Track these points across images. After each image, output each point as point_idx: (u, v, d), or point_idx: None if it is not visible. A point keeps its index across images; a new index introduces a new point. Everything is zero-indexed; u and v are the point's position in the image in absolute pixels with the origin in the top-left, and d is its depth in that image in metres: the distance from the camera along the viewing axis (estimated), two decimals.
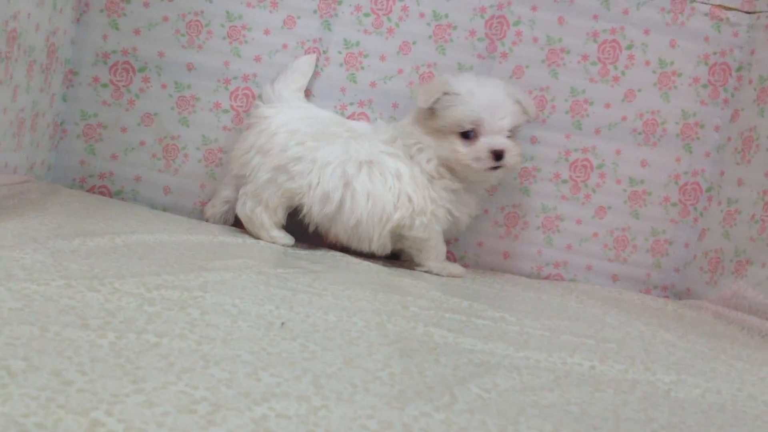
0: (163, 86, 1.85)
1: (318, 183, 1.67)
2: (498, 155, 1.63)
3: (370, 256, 1.77)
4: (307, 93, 1.86)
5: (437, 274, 1.74)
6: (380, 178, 1.68)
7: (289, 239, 1.74)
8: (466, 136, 1.65)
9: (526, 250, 1.97)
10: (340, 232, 1.71)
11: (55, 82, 1.74)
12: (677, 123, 1.95)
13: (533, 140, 1.93)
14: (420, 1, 1.87)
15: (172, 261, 1.25)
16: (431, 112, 1.67)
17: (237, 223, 1.80)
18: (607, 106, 1.93)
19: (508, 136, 1.66)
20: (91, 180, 1.86)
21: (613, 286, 1.97)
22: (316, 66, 1.86)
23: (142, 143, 1.86)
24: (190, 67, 1.84)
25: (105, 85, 1.83)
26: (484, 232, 1.96)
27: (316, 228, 1.74)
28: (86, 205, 1.60)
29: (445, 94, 1.65)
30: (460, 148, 1.65)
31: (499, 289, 1.66)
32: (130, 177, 1.87)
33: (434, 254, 1.75)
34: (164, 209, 1.87)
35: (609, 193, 1.96)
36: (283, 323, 1.03)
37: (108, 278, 1.04)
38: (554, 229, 1.97)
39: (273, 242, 1.72)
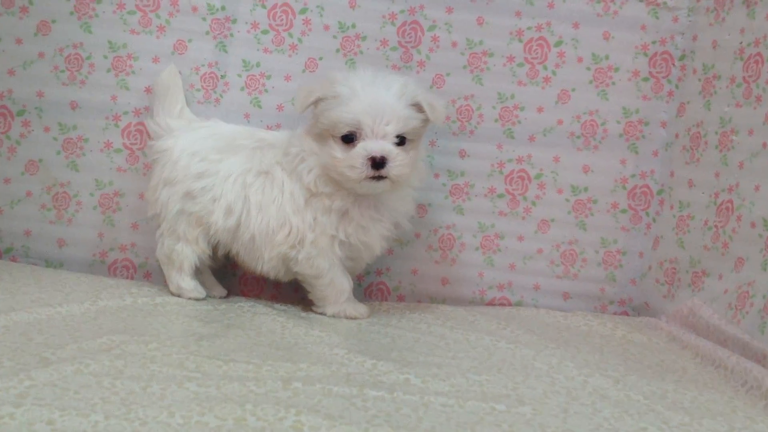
0: (46, 129, 1.68)
1: (221, 195, 1.53)
2: (377, 163, 1.42)
3: (286, 300, 1.62)
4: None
5: (332, 317, 1.56)
6: (269, 190, 1.52)
7: (198, 292, 1.59)
8: (347, 140, 1.45)
9: (465, 274, 1.79)
10: (240, 249, 1.56)
11: None
12: (619, 122, 1.76)
13: (462, 154, 1.75)
14: (323, 13, 1.69)
15: (6, 356, 1.08)
16: (317, 115, 1.48)
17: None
18: (540, 110, 1.74)
19: (398, 143, 1.45)
20: None
21: (564, 306, 1.79)
22: (215, 92, 1.69)
23: (28, 194, 1.69)
24: (73, 106, 1.67)
25: None
26: (417, 258, 1.78)
27: (225, 251, 1.60)
28: None
29: (324, 96, 1.45)
30: (337, 153, 1.45)
31: (423, 332, 1.49)
32: (19, 232, 1.70)
33: (331, 293, 1.55)
34: (61, 264, 1.71)
35: (551, 205, 1.78)
36: None
37: None
38: (494, 249, 1.79)
39: (179, 293, 1.57)
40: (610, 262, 1.80)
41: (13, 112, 1.67)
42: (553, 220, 1.78)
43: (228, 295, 1.67)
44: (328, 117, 1.44)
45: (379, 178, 1.43)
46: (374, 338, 1.42)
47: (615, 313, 1.80)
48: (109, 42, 1.67)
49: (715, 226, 1.58)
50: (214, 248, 1.60)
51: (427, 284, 1.79)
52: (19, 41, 1.65)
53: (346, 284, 1.57)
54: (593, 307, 1.81)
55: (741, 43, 1.56)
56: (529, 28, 1.72)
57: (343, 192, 1.49)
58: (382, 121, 1.43)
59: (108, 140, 1.69)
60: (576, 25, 1.72)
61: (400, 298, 1.79)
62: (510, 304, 1.79)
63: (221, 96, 1.70)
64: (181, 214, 1.56)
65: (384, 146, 1.43)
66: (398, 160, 1.43)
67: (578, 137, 1.76)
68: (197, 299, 1.58)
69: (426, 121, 1.49)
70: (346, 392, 1.09)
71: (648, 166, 1.78)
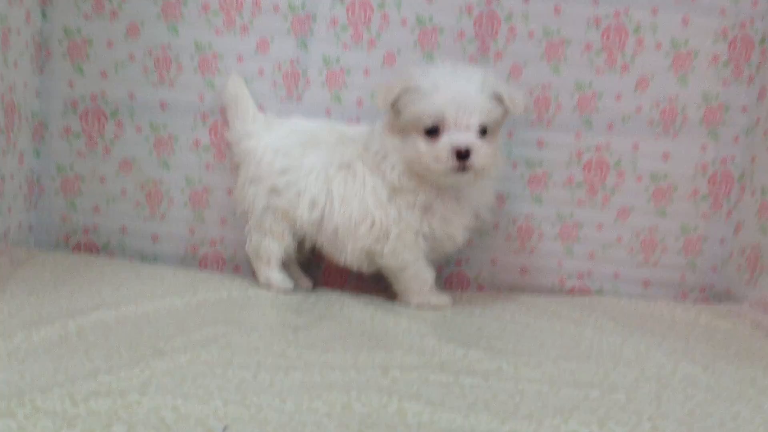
0: (138, 129, 1.74)
1: (305, 189, 1.58)
2: (462, 154, 1.44)
3: (370, 291, 1.66)
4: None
5: (416, 307, 1.58)
6: (351, 183, 1.56)
7: (286, 284, 1.64)
8: (431, 134, 1.47)
9: (544, 264, 1.81)
10: (324, 242, 1.61)
11: (23, 139, 1.65)
12: (699, 108, 1.76)
13: (540, 144, 1.77)
14: (400, 7, 1.72)
15: (123, 347, 1.14)
16: (397, 112, 1.50)
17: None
18: (618, 98, 1.75)
19: (480, 135, 1.47)
20: (75, 236, 1.77)
21: (644, 294, 1.80)
22: (297, 89, 1.74)
23: (123, 192, 1.77)
24: (163, 106, 1.74)
25: (78, 135, 1.74)
26: (496, 248, 1.81)
27: (312, 244, 1.65)
28: (58, 274, 1.51)
29: (406, 91, 1.47)
30: (421, 147, 1.47)
31: (508, 320, 1.51)
32: (115, 229, 1.78)
33: (414, 285, 1.59)
34: (155, 258, 1.78)
35: (630, 193, 1.79)
36: (225, 427, 0.91)
37: (32, 392, 0.93)
38: (573, 238, 1.80)
39: (268, 285, 1.62)
40: (690, 249, 1.80)
41: (107, 114, 1.74)
42: (632, 208, 1.79)
43: (313, 287, 1.72)
44: (411, 111, 1.47)
45: (464, 169, 1.45)
46: (461, 327, 1.45)
47: (696, 301, 1.80)
48: (195, 43, 1.72)
49: None
50: (301, 242, 1.65)
51: (506, 274, 1.82)
52: (110, 44, 1.71)
53: (429, 275, 1.60)
54: (674, 295, 1.81)
55: None
56: (606, 16, 1.73)
57: (426, 186, 1.52)
58: (465, 113, 1.45)
59: (197, 138, 1.75)
60: (654, 11, 1.72)
61: (480, 288, 1.82)
62: (590, 293, 1.81)
63: (302, 93, 1.74)
64: (267, 209, 1.61)
65: (468, 138, 1.45)
66: (482, 152, 1.45)
67: (657, 124, 1.76)
68: (285, 290, 1.63)
69: (505, 112, 1.51)
70: (443, 380, 1.12)
71: (728, 151, 1.77)
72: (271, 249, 1.63)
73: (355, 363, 1.17)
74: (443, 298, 1.62)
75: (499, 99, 1.49)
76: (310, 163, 1.59)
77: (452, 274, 1.82)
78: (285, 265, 1.68)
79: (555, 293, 1.81)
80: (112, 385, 0.99)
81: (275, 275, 1.64)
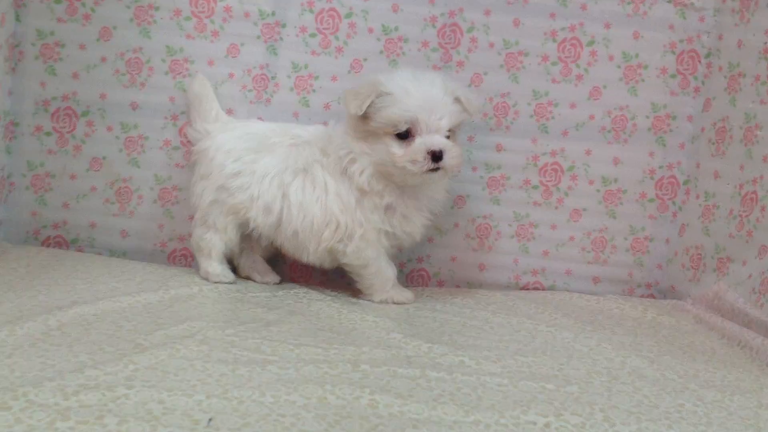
0: (109, 128, 1.79)
1: (258, 195, 1.63)
2: (436, 156, 1.51)
3: (335, 286, 1.73)
4: (259, 119, 1.79)
5: (380, 303, 1.66)
6: (310, 190, 1.61)
7: (225, 276, 1.69)
8: (402, 137, 1.54)
9: (501, 261, 1.90)
10: (284, 242, 1.66)
11: None
12: (648, 117, 1.86)
13: (499, 148, 1.85)
14: (367, 17, 1.79)
15: (105, 342, 1.20)
16: (365, 116, 1.56)
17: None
18: (573, 106, 1.85)
19: (447, 136, 1.55)
20: (45, 231, 1.81)
21: (594, 290, 1.90)
22: (266, 92, 1.79)
23: (93, 189, 1.80)
24: (134, 107, 1.78)
25: (48, 134, 1.78)
26: (456, 246, 1.89)
27: (269, 242, 1.70)
28: (32, 269, 1.55)
29: (378, 96, 1.54)
30: (396, 149, 1.54)
31: (468, 316, 1.60)
32: (84, 224, 1.81)
33: (378, 281, 1.66)
34: (124, 253, 1.82)
35: (582, 195, 1.89)
36: (210, 419, 0.97)
37: (25, 386, 0.99)
38: (529, 237, 1.90)
39: (206, 279, 1.68)
40: (638, 248, 1.91)
41: (78, 113, 1.77)
42: (584, 210, 1.89)
43: (281, 282, 1.78)
44: (385, 115, 1.53)
45: (437, 169, 1.53)
46: (424, 323, 1.53)
47: (642, 296, 1.91)
48: (167, 47, 1.77)
49: (740, 216, 1.68)
50: (257, 239, 1.70)
51: (465, 270, 1.90)
52: (82, 47, 1.75)
53: (390, 272, 1.67)
54: (622, 290, 1.92)
55: (765, 43, 1.65)
56: (562, 29, 1.82)
57: (391, 187, 1.59)
58: (435, 116, 1.53)
59: (167, 138, 1.79)
60: (607, 26, 1.82)
61: (440, 284, 1.90)
62: (544, 289, 1.91)
63: (272, 96, 1.80)
64: (214, 204, 1.66)
65: (440, 140, 1.53)
66: (453, 152, 1.54)
67: (609, 131, 1.86)
68: (225, 283, 1.67)
69: (464, 114, 1.59)
70: (410, 373, 1.20)
71: (675, 158, 1.88)
72: (213, 242, 1.68)
73: (327, 357, 1.24)
74: (406, 294, 1.69)
75: (458, 102, 1.57)
76: (263, 169, 1.63)
77: (413, 271, 1.90)
78: (252, 262, 1.75)
79: (511, 289, 1.90)
80: (99, 379, 1.05)
81: (214, 268, 1.68)
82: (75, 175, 1.80)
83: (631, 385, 1.24)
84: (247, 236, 1.71)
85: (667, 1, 1.82)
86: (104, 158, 1.80)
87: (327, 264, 1.68)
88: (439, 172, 1.54)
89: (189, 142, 1.77)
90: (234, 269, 1.74)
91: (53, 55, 1.75)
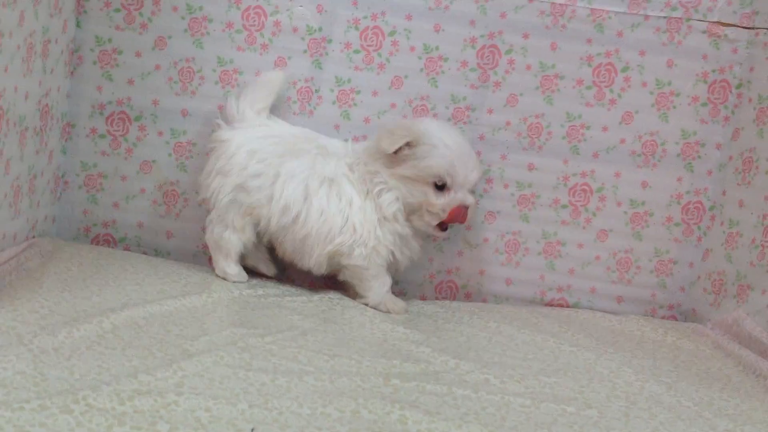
0: (160, 134, 1.87)
1: (281, 195, 1.69)
2: (463, 213, 1.67)
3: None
4: None
5: (374, 308, 1.73)
6: (335, 199, 1.69)
7: (241, 277, 1.77)
8: (441, 187, 1.66)
9: (528, 277, 1.97)
10: (288, 244, 1.73)
11: (53, 139, 1.78)
12: (677, 143, 1.92)
13: (530, 167, 1.92)
14: (410, 36, 1.86)
15: (155, 347, 1.28)
16: (395, 155, 1.67)
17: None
18: (605, 129, 1.91)
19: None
20: (95, 229, 1.90)
21: (618, 309, 1.97)
22: (309, 104, 1.87)
23: (142, 190, 1.89)
24: (184, 113, 1.86)
25: (103, 136, 1.87)
26: (485, 260, 1.96)
27: (269, 240, 1.78)
28: (84, 268, 1.64)
29: (410, 143, 1.65)
30: (433, 199, 1.67)
31: (494, 331, 1.67)
32: (132, 224, 1.91)
33: (376, 284, 1.74)
34: (168, 253, 1.91)
35: (610, 216, 1.95)
36: (252, 429, 1.05)
37: (84, 390, 1.07)
38: (556, 254, 1.96)
39: (224, 278, 1.75)
40: (661, 270, 1.97)
41: (131, 118, 1.86)
42: (611, 230, 1.95)
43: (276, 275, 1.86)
44: (427, 164, 1.65)
45: (462, 222, 1.70)
46: (452, 336, 1.61)
47: (664, 317, 1.97)
48: (218, 57, 1.85)
49: (762, 245, 1.74)
50: (260, 236, 1.77)
51: (493, 284, 1.97)
52: (138, 54, 1.84)
53: (388, 279, 1.76)
54: (644, 311, 1.98)
55: None
56: (598, 54, 1.88)
57: (408, 222, 1.72)
58: (470, 171, 1.67)
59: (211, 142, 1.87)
60: (642, 53, 1.88)
61: (468, 296, 1.98)
62: (568, 305, 1.97)
63: (315, 108, 1.88)
64: (232, 203, 1.71)
65: (470, 197, 1.69)
66: (473, 207, 1.71)
67: (639, 155, 1.92)
68: (240, 282, 1.75)
69: None
70: (438, 390, 1.27)
71: (702, 184, 1.93)
72: (232, 242, 1.74)
73: (360, 370, 1.32)
74: (399, 304, 1.77)
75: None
76: (289, 171, 1.69)
77: (442, 282, 1.97)
78: (260, 252, 1.83)
79: (536, 304, 1.97)
80: (151, 385, 1.13)
81: (232, 268, 1.76)
82: (126, 176, 1.89)
83: (648, 411, 1.30)
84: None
85: (702, 32, 1.87)
86: (154, 161, 1.88)
87: (323, 270, 1.76)
88: (453, 228, 1.73)
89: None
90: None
91: (110, 61, 1.83)
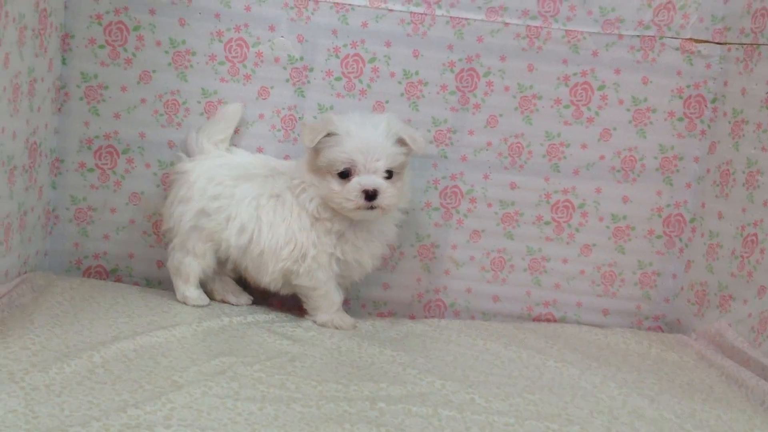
0: (147, 165, 1.91)
1: (236, 216, 1.75)
2: (369, 195, 1.65)
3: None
4: (285, 157, 1.90)
5: (322, 326, 1.77)
6: (280, 210, 1.74)
7: (201, 300, 1.80)
8: (343, 175, 1.68)
9: (514, 293, 2.01)
10: (249, 264, 1.78)
11: (42, 174, 1.81)
12: (656, 157, 1.96)
13: (513, 185, 1.95)
14: (389, 62, 1.89)
15: (144, 380, 1.30)
16: (317, 151, 1.70)
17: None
18: (584, 147, 1.94)
19: (387, 177, 1.68)
20: (87, 261, 1.93)
21: (604, 321, 2.00)
22: (293, 132, 1.91)
23: (132, 222, 1.93)
24: (171, 145, 1.90)
25: (91, 170, 1.90)
26: (471, 278, 1.99)
27: (234, 266, 1.82)
28: (75, 302, 1.66)
29: (328, 134, 1.67)
30: (335, 186, 1.68)
31: (481, 349, 1.70)
32: (123, 255, 1.94)
33: (324, 304, 1.77)
34: (159, 282, 1.94)
35: (593, 231, 1.98)
36: None
37: (74, 426, 1.10)
38: (541, 270, 2.00)
39: (183, 302, 1.79)
40: (645, 283, 2.00)
41: (119, 151, 1.89)
42: (594, 245, 1.99)
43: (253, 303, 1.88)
44: (327, 155, 1.67)
45: (372, 208, 1.67)
46: (439, 356, 1.63)
47: (650, 328, 2.01)
48: (202, 89, 1.88)
49: (742, 256, 1.77)
50: (224, 262, 1.82)
51: (480, 301, 2.01)
52: (123, 89, 1.87)
53: (337, 297, 1.79)
54: (630, 323, 2.02)
55: (767, 93, 1.74)
56: (574, 74, 1.92)
57: (340, 216, 1.72)
58: (373, 158, 1.66)
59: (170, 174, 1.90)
60: (617, 71, 1.92)
61: (456, 314, 2.01)
62: (555, 320, 2.01)
63: (299, 135, 1.91)
64: (193, 230, 1.76)
65: (375, 181, 1.66)
66: (388, 192, 1.67)
67: (618, 171, 1.96)
68: (201, 306, 1.78)
69: (409, 152, 1.72)
70: (423, 412, 1.30)
71: (681, 197, 1.97)
72: (191, 267, 1.78)
73: (347, 395, 1.35)
74: (347, 320, 1.80)
75: (402, 141, 1.70)
76: (242, 193, 1.76)
77: (431, 301, 2.00)
78: (225, 283, 1.87)
79: (524, 319, 2.00)
80: (140, 419, 1.16)
81: (191, 292, 1.79)
82: (115, 208, 1.92)
83: (629, 425, 1.33)
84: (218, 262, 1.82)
85: (675, 49, 1.91)
86: (142, 193, 1.92)
87: (280, 287, 1.80)
88: (376, 210, 1.68)
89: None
90: (208, 293, 1.84)
91: (96, 97, 1.87)
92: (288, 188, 1.75)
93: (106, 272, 1.94)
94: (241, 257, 1.78)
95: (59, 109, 1.87)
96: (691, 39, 1.90)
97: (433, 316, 2.00)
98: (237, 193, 1.76)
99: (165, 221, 1.83)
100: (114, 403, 1.20)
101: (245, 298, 1.88)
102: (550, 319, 2.01)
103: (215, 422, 1.18)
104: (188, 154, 1.84)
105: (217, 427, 1.16)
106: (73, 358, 1.34)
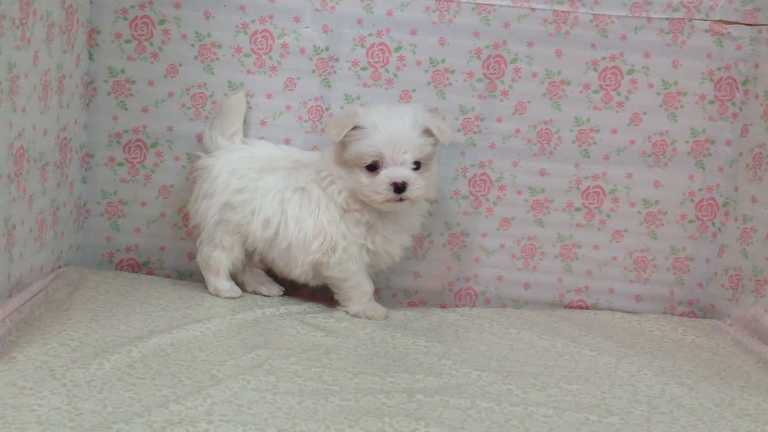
0: (176, 159, 1.91)
1: (260, 209, 1.75)
2: (398, 187, 1.65)
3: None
4: (313, 148, 1.90)
5: (354, 316, 1.77)
6: (306, 204, 1.74)
7: (233, 292, 1.81)
8: (371, 168, 1.67)
9: (546, 280, 2.00)
10: (276, 257, 1.78)
11: (73, 170, 1.82)
12: (687, 141, 1.93)
13: (542, 172, 1.94)
14: (416, 50, 1.88)
15: (183, 374, 1.31)
16: (343, 144, 1.69)
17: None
18: (614, 131, 1.92)
19: (415, 168, 1.67)
20: (119, 254, 1.94)
21: (636, 307, 1.99)
22: (320, 123, 1.90)
23: (162, 215, 1.93)
24: (199, 138, 1.90)
25: (121, 164, 1.91)
26: (502, 265, 1.98)
27: (261, 258, 1.83)
28: (110, 296, 1.68)
29: (355, 127, 1.67)
30: (363, 180, 1.68)
31: (514, 338, 1.69)
32: (155, 248, 1.95)
33: (355, 294, 1.78)
34: (190, 274, 1.95)
35: (624, 217, 1.97)
36: None
37: (118, 423, 1.10)
38: (572, 257, 1.98)
39: (216, 295, 1.80)
40: (678, 268, 1.99)
41: (148, 145, 1.90)
42: (626, 231, 1.97)
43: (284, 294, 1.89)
44: (354, 149, 1.67)
45: (400, 200, 1.67)
46: (473, 345, 1.63)
47: (683, 314, 1.99)
48: (229, 81, 1.88)
49: None
50: (251, 254, 1.82)
51: (511, 289, 2.00)
52: (151, 83, 1.87)
53: (368, 287, 1.79)
54: (663, 308, 2.00)
55: None
56: (603, 58, 1.89)
57: (369, 208, 1.72)
58: (400, 150, 1.65)
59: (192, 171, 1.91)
60: (647, 55, 1.89)
61: (487, 302, 2.00)
62: (587, 307, 1.99)
63: (326, 127, 1.89)
64: (219, 223, 1.77)
65: (404, 173, 1.66)
66: (417, 184, 1.66)
67: (649, 155, 1.94)
68: (233, 298, 1.80)
69: (436, 143, 1.72)
70: (461, 404, 1.29)
71: (714, 180, 1.95)
72: (220, 260, 1.79)
73: (384, 387, 1.35)
74: (379, 310, 1.80)
75: (429, 132, 1.70)
76: (266, 186, 1.76)
77: (462, 290, 2.00)
78: (256, 275, 1.88)
79: (555, 307, 1.99)
80: (182, 414, 1.16)
81: (223, 284, 1.80)
82: (145, 202, 1.93)
83: (669, 415, 1.32)
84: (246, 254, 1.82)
85: (705, 31, 1.88)
86: (172, 186, 1.92)
87: (310, 278, 1.80)
88: (405, 202, 1.68)
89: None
90: (240, 285, 1.85)
91: (124, 91, 1.87)
92: (313, 181, 1.75)
93: (138, 265, 1.95)
94: (267, 250, 1.78)
95: (88, 105, 1.88)
96: (720, 21, 1.88)
97: (464, 305, 1.99)
98: (261, 186, 1.76)
99: (191, 218, 1.84)
100: (155, 398, 1.21)
101: (276, 289, 1.88)
102: (582, 306, 2.00)
103: (256, 417, 1.18)
104: (206, 151, 1.84)
105: (258, 422, 1.16)
106: (111, 354, 1.35)
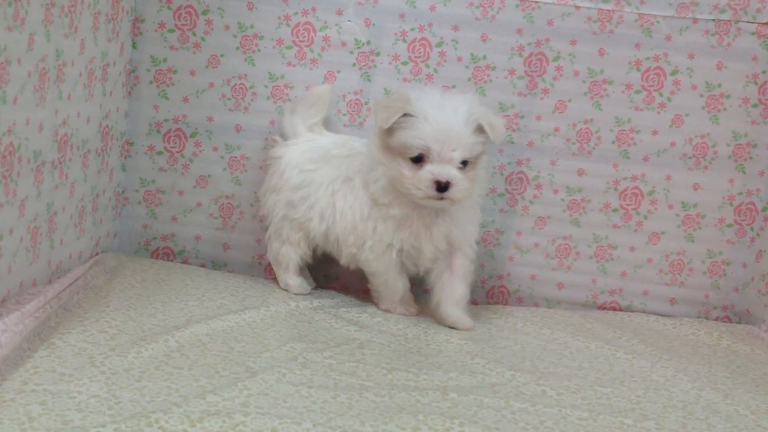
0: (215, 149, 1.92)
1: (316, 202, 1.74)
2: (441, 186, 1.56)
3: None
4: None
5: (386, 312, 1.76)
6: (350, 197, 1.71)
7: (303, 288, 1.82)
8: (415, 160, 1.58)
9: (580, 280, 1.99)
10: (330, 249, 1.79)
11: (113, 157, 1.84)
12: (728, 145, 1.91)
13: (580, 172, 1.93)
14: (457, 46, 1.88)
15: (220, 365, 1.32)
16: (390, 129, 1.60)
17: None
18: (655, 133, 1.91)
19: (461, 166, 1.58)
20: (155, 242, 1.96)
21: (671, 310, 1.97)
22: (359, 116, 1.90)
23: (199, 204, 1.95)
24: (238, 129, 1.91)
25: (160, 153, 1.92)
26: (536, 264, 1.98)
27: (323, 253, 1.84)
28: (147, 284, 1.70)
29: (404, 114, 1.57)
30: (406, 171, 1.59)
31: (548, 338, 1.69)
32: (190, 237, 1.96)
33: (385, 291, 1.76)
34: (225, 264, 1.96)
35: (661, 219, 1.95)
36: None
37: (156, 412, 1.11)
38: (607, 258, 1.97)
39: (286, 290, 1.81)
40: (715, 272, 1.97)
41: (187, 134, 1.91)
42: (663, 233, 1.95)
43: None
44: (400, 137, 1.58)
45: (441, 199, 1.58)
46: (506, 345, 1.63)
47: (717, 318, 1.97)
48: (269, 73, 1.89)
49: None
50: (314, 248, 1.83)
51: (544, 288, 1.99)
52: (192, 73, 1.88)
53: (400, 285, 1.75)
54: (698, 312, 1.98)
55: None
56: (647, 59, 1.88)
57: (402, 200, 1.64)
58: (449, 147, 1.55)
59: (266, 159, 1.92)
60: (691, 56, 1.87)
61: (519, 301, 1.99)
62: (620, 308, 1.98)
63: (365, 120, 1.91)
64: (284, 219, 1.78)
65: (449, 172, 1.56)
66: (461, 185, 1.57)
67: (690, 158, 1.92)
68: (303, 294, 1.81)
69: (486, 140, 1.61)
70: (495, 404, 1.29)
71: (754, 185, 1.93)
72: (289, 256, 1.80)
73: (417, 384, 1.35)
74: (410, 309, 1.78)
75: (482, 129, 1.60)
76: (320, 178, 1.75)
77: (494, 288, 1.99)
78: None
79: (588, 308, 1.98)
80: (219, 405, 1.17)
81: (293, 280, 1.81)
82: (183, 191, 1.94)
83: (705, 421, 1.31)
84: None
85: (751, 33, 1.85)
86: (209, 176, 1.93)
87: (351, 266, 1.79)
88: (445, 201, 1.59)
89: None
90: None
91: (166, 81, 1.89)
92: (358, 171, 1.70)
93: (173, 254, 1.97)
94: (324, 242, 1.78)
95: (129, 93, 1.89)
96: (767, 24, 1.85)
97: (496, 303, 1.99)
98: (316, 178, 1.75)
99: (261, 206, 1.85)
100: (192, 388, 1.22)
101: (310, 283, 1.88)
102: (615, 308, 1.99)
103: (291, 410, 1.19)
104: (284, 138, 1.84)
105: (294, 416, 1.17)
106: (149, 342, 1.37)
